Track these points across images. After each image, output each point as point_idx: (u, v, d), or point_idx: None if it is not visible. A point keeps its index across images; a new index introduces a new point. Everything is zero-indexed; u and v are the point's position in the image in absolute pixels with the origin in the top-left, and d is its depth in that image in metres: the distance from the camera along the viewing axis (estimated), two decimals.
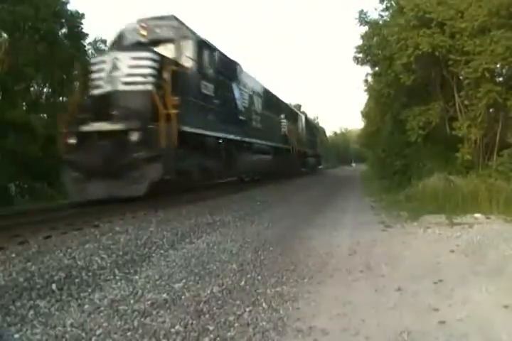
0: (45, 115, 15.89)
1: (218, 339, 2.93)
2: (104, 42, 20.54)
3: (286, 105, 17.29)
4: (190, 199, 10.31)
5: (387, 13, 12.52)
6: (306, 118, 22.87)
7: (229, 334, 2.99)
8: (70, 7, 16.30)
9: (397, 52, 10.40)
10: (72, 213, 7.52)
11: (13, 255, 4.55)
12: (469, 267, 4.64)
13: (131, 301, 3.53)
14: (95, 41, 19.49)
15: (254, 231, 6.95)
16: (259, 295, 3.80)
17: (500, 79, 10.55)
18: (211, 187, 14.42)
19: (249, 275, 4.38)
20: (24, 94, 14.87)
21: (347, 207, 10.68)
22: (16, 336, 2.83)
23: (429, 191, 9.45)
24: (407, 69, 10.59)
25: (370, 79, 16.23)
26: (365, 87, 17.02)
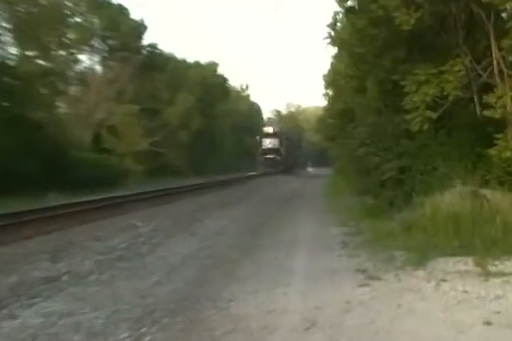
0: None
1: None
2: None
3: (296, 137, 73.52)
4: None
5: None
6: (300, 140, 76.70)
7: None
8: None
9: None
10: None
11: None
12: None
13: None
14: None
15: (135, 289, 6.92)
16: None
17: None
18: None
19: None
20: None
21: (300, 243, 10.82)
22: None
23: (445, 215, 9.71)
24: (405, 3, 11.00)
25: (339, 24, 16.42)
26: (331, 35, 17.20)
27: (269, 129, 59.34)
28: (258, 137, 58.78)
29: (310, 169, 67.44)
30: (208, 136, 55.03)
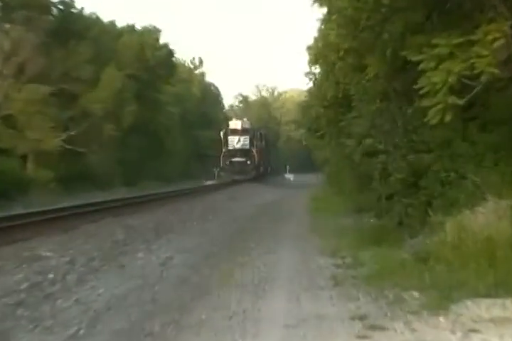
0: None
1: None
2: None
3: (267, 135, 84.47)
4: None
5: None
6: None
7: None
8: None
9: None
10: None
11: None
12: None
13: None
14: None
15: None
16: None
17: None
18: None
19: None
20: None
21: (275, 280, 10.87)
22: None
23: (475, 241, 9.78)
24: None
25: None
26: None
27: (237, 124, 62.63)
28: (222, 134, 61.50)
29: (289, 176, 68.25)
30: (146, 130, 54.70)
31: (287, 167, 73.51)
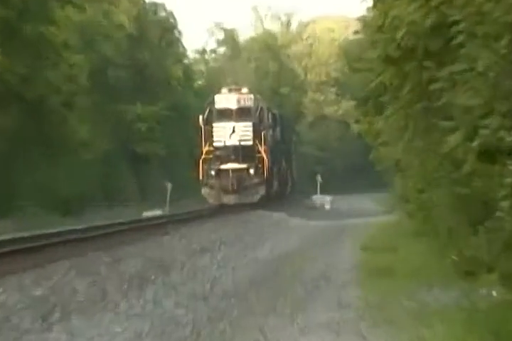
0: None
1: None
2: None
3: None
4: None
5: None
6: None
7: None
8: None
9: None
10: None
11: None
12: None
13: None
14: None
15: None
16: None
17: None
18: None
19: None
20: None
21: None
22: None
23: None
24: None
25: None
26: None
27: (230, 99, 60.56)
28: (201, 118, 58.42)
29: (323, 199, 66.69)
30: (21, 101, 54.71)
31: (318, 178, 72.27)
